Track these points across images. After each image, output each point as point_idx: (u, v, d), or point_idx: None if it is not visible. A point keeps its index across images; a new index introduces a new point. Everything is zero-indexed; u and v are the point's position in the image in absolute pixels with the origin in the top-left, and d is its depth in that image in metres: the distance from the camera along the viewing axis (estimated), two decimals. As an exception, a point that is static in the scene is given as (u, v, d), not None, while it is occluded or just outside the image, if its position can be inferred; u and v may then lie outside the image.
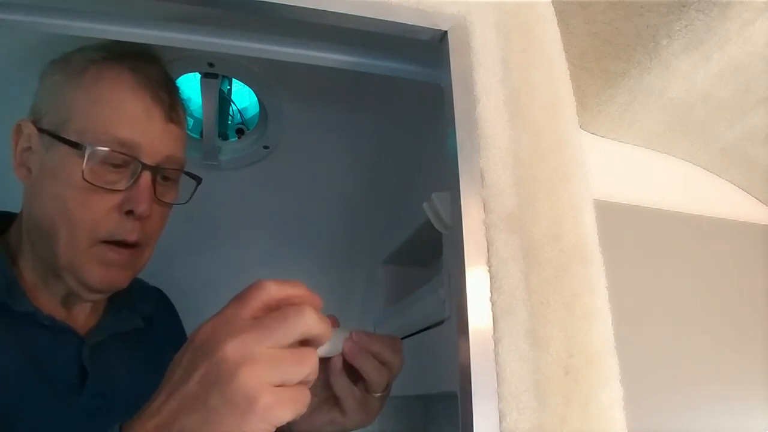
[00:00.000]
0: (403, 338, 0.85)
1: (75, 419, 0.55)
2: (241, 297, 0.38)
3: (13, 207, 0.62)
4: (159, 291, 0.81)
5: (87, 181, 0.54)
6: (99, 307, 0.66)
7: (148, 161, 0.57)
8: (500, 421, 0.42)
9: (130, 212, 0.56)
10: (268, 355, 0.35)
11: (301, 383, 0.36)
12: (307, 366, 0.36)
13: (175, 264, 1.10)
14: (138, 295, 0.71)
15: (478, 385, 0.42)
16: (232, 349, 0.34)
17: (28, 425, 0.52)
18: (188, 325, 0.82)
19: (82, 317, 0.63)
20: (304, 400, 0.36)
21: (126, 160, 0.57)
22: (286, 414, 0.34)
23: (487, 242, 0.47)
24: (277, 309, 0.38)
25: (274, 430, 0.35)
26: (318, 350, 0.47)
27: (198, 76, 0.84)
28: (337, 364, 0.51)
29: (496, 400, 0.42)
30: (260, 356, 0.34)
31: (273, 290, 0.38)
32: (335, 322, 0.53)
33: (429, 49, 0.56)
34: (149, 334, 0.70)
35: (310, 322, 0.37)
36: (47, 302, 0.60)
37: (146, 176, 0.57)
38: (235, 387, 0.33)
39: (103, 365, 0.60)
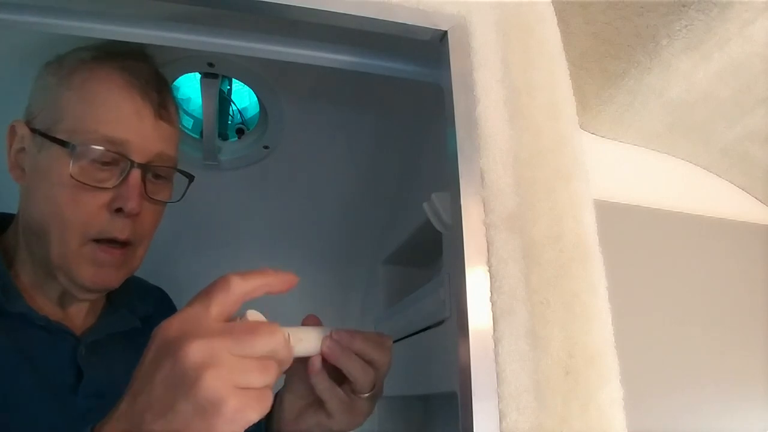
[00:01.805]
0: (403, 338, 0.85)
1: (71, 419, 0.55)
2: (206, 295, 0.37)
3: (12, 208, 0.63)
4: (160, 290, 0.81)
5: (76, 180, 0.55)
6: (97, 307, 0.66)
7: (137, 159, 0.58)
8: (500, 421, 0.42)
9: (119, 210, 0.56)
10: (233, 360, 0.34)
11: (267, 389, 0.36)
12: (268, 374, 0.36)
13: (175, 264, 1.10)
14: (137, 295, 0.71)
15: (478, 385, 0.42)
16: (196, 350, 0.33)
17: (24, 425, 0.52)
18: (188, 325, 0.82)
19: (80, 317, 0.63)
20: (268, 401, 0.35)
21: (115, 158, 0.57)
22: (253, 415, 0.34)
23: (487, 242, 0.47)
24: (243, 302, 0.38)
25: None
26: (300, 350, 0.47)
27: (198, 76, 0.84)
28: (316, 364, 0.49)
29: (496, 400, 0.42)
30: (225, 360, 0.34)
31: (237, 285, 0.37)
32: (317, 321, 0.52)
33: (429, 49, 0.56)
34: (147, 334, 0.70)
35: (278, 343, 0.37)
36: (43, 303, 0.60)
37: (135, 174, 0.57)
38: (201, 390, 0.32)
39: (99, 365, 0.60)
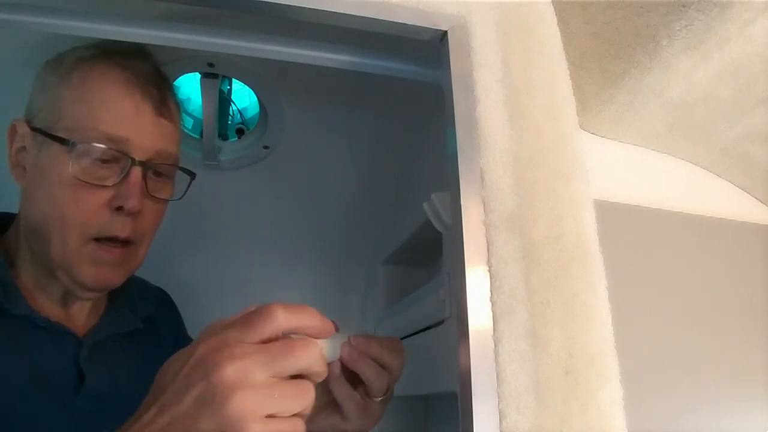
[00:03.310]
0: (402, 338, 0.85)
1: (72, 421, 0.55)
2: (249, 322, 0.36)
3: (13, 208, 0.62)
4: (161, 291, 0.81)
5: (76, 178, 0.54)
6: (99, 308, 0.66)
7: (138, 156, 0.57)
8: (500, 421, 0.42)
9: (120, 208, 0.56)
10: (266, 384, 0.34)
11: (295, 415, 0.35)
12: (303, 400, 0.35)
13: (175, 264, 1.10)
14: (138, 295, 0.70)
15: (478, 385, 0.42)
16: (231, 372, 0.33)
17: (25, 427, 0.52)
18: (189, 324, 0.82)
19: (81, 318, 0.63)
20: (299, 425, 0.35)
21: (116, 155, 0.56)
22: None
23: (487, 242, 0.47)
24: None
25: None
26: None
27: (198, 76, 0.84)
28: (336, 369, 0.50)
29: (496, 400, 0.42)
30: (258, 384, 0.33)
31: (283, 320, 0.36)
32: (335, 327, 0.52)
33: (429, 49, 0.56)
34: (150, 334, 0.70)
35: (315, 359, 0.36)
36: (45, 303, 0.60)
37: (136, 171, 0.57)
38: (227, 412, 0.32)
39: (100, 367, 0.60)
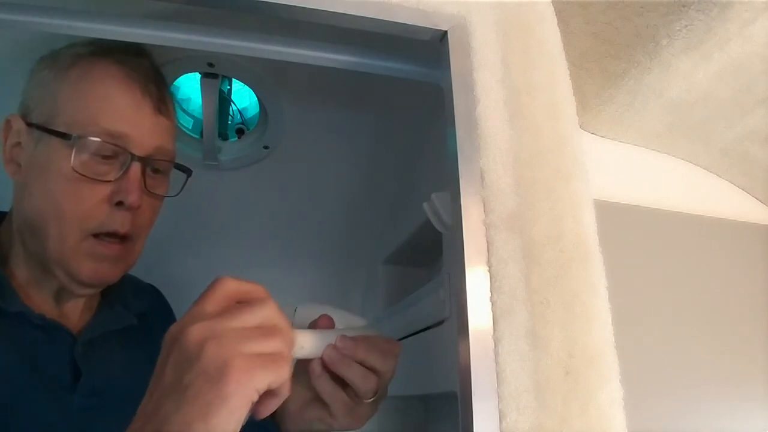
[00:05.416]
0: (403, 338, 0.85)
1: (69, 418, 0.55)
2: (202, 294, 0.39)
3: (4, 206, 0.62)
4: (154, 288, 0.81)
5: (77, 172, 0.54)
6: (92, 305, 0.66)
7: (137, 152, 0.58)
8: (500, 421, 0.42)
9: (120, 203, 0.57)
10: (233, 329, 0.36)
11: (278, 355, 0.37)
12: (274, 339, 0.37)
13: (175, 263, 1.10)
14: (132, 292, 0.70)
15: (478, 385, 0.42)
16: (196, 329, 0.35)
17: (22, 425, 0.52)
18: (188, 324, 0.82)
19: (76, 315, 0.63)
20: (281, 367, 0.36)
21: (115, 151, 0.57)
22: (264, 376, 0.35)
23: (487, 242, 0.47)
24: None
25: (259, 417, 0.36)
26: (301, 355, 0.47)
27: (198, 76, 0.84)
28: (316, 368, 0.50)
29: (496, 400, 0.42)
30: (225, 331, 0.35)
31: (232, 285, 0.39)
32: (329, 322, 0.52)
33: (429, 49, 0.56)
34: (143, 331, 0.70)
35: (271, 312, 0.38)
36: (39, 300, 0.59)
37: (136, 167, 0.57)
38: (204, 360, 0.34)
39: (96, 363, 0.60)
